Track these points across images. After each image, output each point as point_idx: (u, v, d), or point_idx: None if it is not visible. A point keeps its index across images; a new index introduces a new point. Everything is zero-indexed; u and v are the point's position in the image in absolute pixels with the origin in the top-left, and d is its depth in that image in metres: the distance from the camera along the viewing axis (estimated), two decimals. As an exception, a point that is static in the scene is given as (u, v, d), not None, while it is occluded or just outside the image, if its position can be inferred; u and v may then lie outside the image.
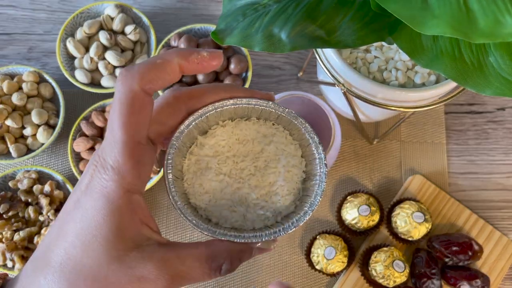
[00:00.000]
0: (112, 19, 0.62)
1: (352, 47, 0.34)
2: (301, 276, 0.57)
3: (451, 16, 0.26)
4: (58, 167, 0.60)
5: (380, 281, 0.52)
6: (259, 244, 0.27)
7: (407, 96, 0.43)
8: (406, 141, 0.62)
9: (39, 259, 0.24)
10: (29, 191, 0.56)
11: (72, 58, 0.63)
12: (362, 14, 0.34)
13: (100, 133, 0.58)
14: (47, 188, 0.55)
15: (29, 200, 0.55)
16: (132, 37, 0.62)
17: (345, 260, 0.53)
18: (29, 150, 0.59)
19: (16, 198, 0.56)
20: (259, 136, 0.30)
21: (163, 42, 0.61)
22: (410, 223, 0.53)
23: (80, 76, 0.60)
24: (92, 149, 0.57)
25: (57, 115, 0.60)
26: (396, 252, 0.52)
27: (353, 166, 0.61)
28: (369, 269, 0.53)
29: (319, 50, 0.45)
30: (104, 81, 0.61)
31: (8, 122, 0.57)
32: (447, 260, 0.54)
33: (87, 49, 0.62)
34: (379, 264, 0.51)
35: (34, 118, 0.57)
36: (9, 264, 0.53)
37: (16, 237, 0.53)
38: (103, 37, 0.61)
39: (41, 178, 0.58)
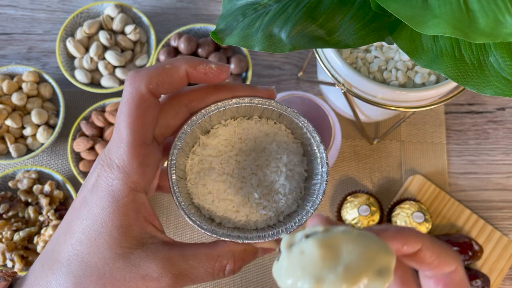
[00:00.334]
0: (112, 19, 0.62)
1: (352, 47, 0.34)
2: (301, 276, 0.57)
3: (451, 16, 0.26)
4: (58, 167, 0.60)
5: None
6: (263, 244, 0.27)
7: (407, 96, 0.43)
8: (406, 141, 0.62)
9: (48, 255, 0.25)
10: (29, 191, 0.56)
11: (72, 58, 0.63)
12: (362, 14, 0.34)
13: (100, 133, 0.58)
14: (47, 188, 0.55)
15: (29, 200, 0.55)
16: (132, 37, 0.62)
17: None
18: (29, 150, 0.59)
19: (16, 198, 0.56)
20: (261, 135, 0.30)
21: (163, 42, 0.61)
22: (410, 223, 0.53)
23: (80, 76, 0.60)
24: (92, 149, 0.57)
25: (57, 115, 0.60)
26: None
27: (353, 166, 0.61)
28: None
29: (319, 50, 0.45)
30: (104, 81, 0.61)
31: (8, 122, 0.57)
32: (447, 260, 0.54)
33: (87, 49, 0.62)
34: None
35: (34, 118, 0.57)
36: (9, 264, 0.53)
37: (16, 237, 0.53)
38: (103, 37, 0.61)
39: (41, 178, 0.58)
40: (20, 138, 0.59)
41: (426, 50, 0.32)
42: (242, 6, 0.36)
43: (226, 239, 0.26)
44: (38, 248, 0.53)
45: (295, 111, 0.28)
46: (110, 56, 0.60)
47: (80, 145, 0.56)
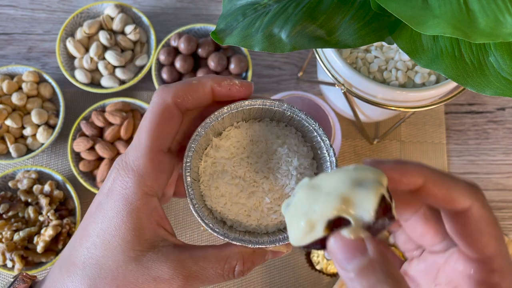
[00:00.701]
0: (112, 19, 0.62)
1: (352, 47, 0.34)
2: (301, 276, 0.57)
3: (451, 16, 0.26)
4: (58, 167, 0.60)
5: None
6: (273, 247, 0.27)
7: (407, 96, 0.43)
8: (406, 141, 0.62)
9: (65, 259, 0.26)
10: (29, 191, 0.56)
11: (72, 58, 0.63)
12: (362, 14, 0.34)
13: (100, 133, 0.58)
14: (47, 188, 0.55)
15: (29, 200, 0.55)
16: (132, 37, 0.62)
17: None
18: (29, 150, 0.59)
19: (16, 198, 0.56)
20: (273, 137, 0.30)
21: (163, 42, 0.61)
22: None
23: (80, 76, 0.60)
24: (92, 149, 0.57)
25: (57, 115, 0.60)
26: (397, 252, 0.52)
27: (353, 166, 0.61)
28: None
29: (319, 50, 0.45)
30: (104, 81, 0.61)
31: (8, 122, 0.57)
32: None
33: (87, 49, 0.62)
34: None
35: (34, 118, 0.57)
36: (9, 264, 0.53)
37: (16, 237, 0.53)
38: (103, 37, 0.61)
39: (41, 178, 0.58)
40: (20, 138, 0.59)
41: (426, 50, 0.32)
42: (242, 6, 0.36)
43: (238, 243, 0.27)
44: (38, 248, 0.53)
45: (306, 114, 0.29)
46: (110, 56, 0.60)
47: (80, 145, 0.56)
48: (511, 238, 0.58)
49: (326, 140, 0.28)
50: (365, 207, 0.19)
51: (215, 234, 0.27)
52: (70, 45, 0.61)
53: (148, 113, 0.26)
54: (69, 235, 0.55)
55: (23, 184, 0.55)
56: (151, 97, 0.63)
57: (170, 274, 0.25)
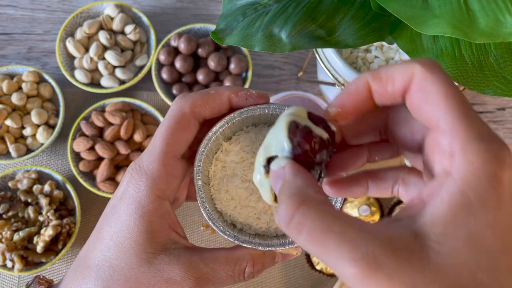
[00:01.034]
0: (112, 19, 0.62)
1: (352, 47, 0.34)
2: (301, 276, 0.57)
3: (451, 16, 0.26)
4: (57, 167, 0.60)
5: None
6: (282, 250, 0.28)
7: (407, 96, 0.43)
8: (406, 141, 0.62)
9: (80, 261, 0.26)
10: (28, 191, 0.56)
11: (72, 58, 0.63)
12: (362, 14, 0.34)
13: (99, 133, 0.58)
14: (46, 188, 0.55)
15: (29, 200, 0.55)
16: (132, 37, 0.62)
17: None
18: (28, 150, 0.59)
19: (16, 198, 0.56)
20: None
21: (163, 42, 0.61)
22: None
23: (80, 76, 0.60)
24: (92, 149, 0.57)
25: (57, 115, 0.60)
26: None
27: (353, 166, 0.61)
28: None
29: (319, 50, 0.45)
30: (104, 81, 0.61)
31: (8, 122, 0.57)
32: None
33: (87, 49, 0.62)
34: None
35: (34, 118, 0.57)
36: (9, 264, 0.53)
37: (16, 237, 0.53)
38: (103, 37, 0.61)
39: (41, 178, 0.58)
40: (20, 138, 0.59)
41: (426, 50, 0.32)
42: (242, 6, 0.36)
43: (248, 246, 0.27)
44: (38, 248, 0.53)
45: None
46: (110, 56, 0.60)
47: (80, 145, 0.56)
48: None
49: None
50: (279, 139, 0.22)
51: (226, 236, 0.27)
52: (70, 45, 0.61)
53: (165, 120, 0.26)
54: (69, 235, 0.55)
55: (23, 184, 0.55)
56: (151, 97, 0.63)
57: (182, 275, 0.25)
